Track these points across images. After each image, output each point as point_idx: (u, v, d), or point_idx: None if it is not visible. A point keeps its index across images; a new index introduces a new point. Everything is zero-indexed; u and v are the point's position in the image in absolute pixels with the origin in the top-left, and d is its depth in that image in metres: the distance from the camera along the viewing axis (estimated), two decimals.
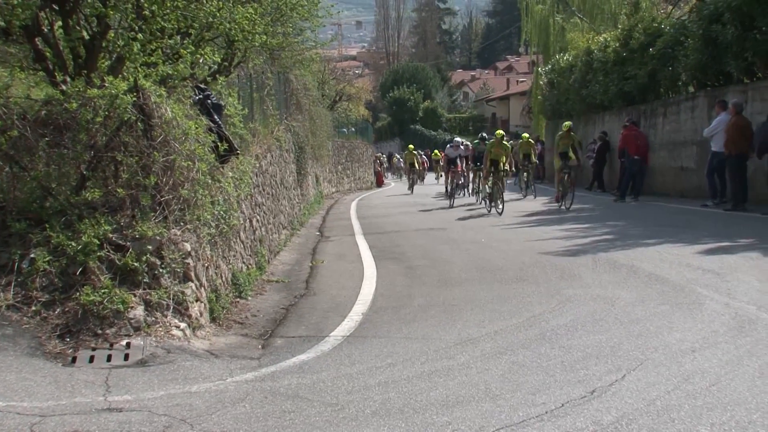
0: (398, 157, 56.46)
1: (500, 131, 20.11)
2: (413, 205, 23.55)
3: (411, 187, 33.22)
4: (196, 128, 7.63)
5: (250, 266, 10.12)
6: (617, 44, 23.30)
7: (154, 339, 6.26)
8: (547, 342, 6.22)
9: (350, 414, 4.75)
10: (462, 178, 25.23)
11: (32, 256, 6.56)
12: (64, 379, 5.46)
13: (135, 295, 6.49)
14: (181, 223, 7.23)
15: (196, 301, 7.00)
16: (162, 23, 8.35)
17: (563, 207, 17.99)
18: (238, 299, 8.68)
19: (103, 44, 8.25)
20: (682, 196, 19.35)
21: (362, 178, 40.91)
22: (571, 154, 18.40)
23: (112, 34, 8.37)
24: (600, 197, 22.02)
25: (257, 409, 4.92)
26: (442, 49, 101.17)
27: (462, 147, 24.99)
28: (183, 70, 8.74)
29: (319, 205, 23.78)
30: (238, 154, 9.14)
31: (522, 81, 67.65)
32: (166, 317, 6.53)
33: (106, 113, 7.10)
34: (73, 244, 6.56)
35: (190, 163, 7.35)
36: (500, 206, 17.94)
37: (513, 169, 20.91)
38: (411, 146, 36.99)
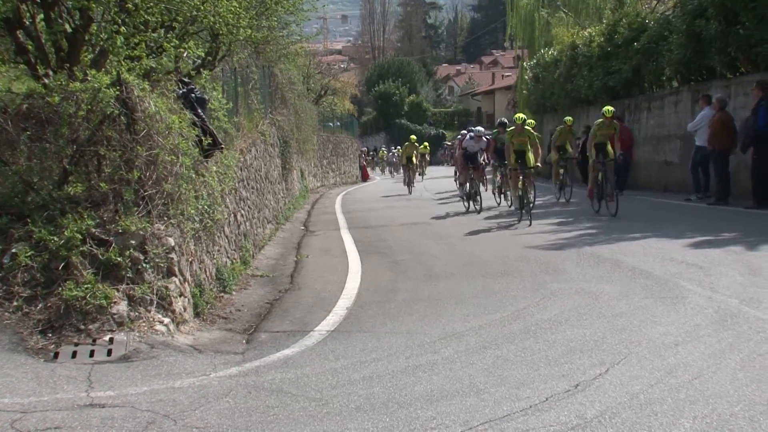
0: (385, 149, 56.08)
1: (521, 114, 15.72)
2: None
3: (409, 185, 27.32)
4: (180, 122, 7.59)
5: (234, 261, 10.08)
6: (602, 39, 23.37)
7: (137, 334, 6.23)
8: (531, 336, 6.24)
9: (334, 409, 4.75)
10: (484, 182, 19.23)
11: (14, 251, 6.51)
12: (46, 375, 5.43)
13: (118, 290, 6.46)
14: (165, 218, 7.20)
15: (180, 296, 6.97)
16: (145, 16, 8.29)
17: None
18: (222, 294, 8.65)
19: (86, 37, 8.18)
20: (666, 191, 19.43)
21: (347, 173, 40.88)
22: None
23: (95, 27, 8.31)
24: (585, 191, 22.01)
25: (241, 404, 4.90)
26: (428, 43, 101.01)
27: (485, 138, 18.43)
28: (167, 63, 8.70)
29: (304, 199, 23.73)
30: (222, 148, 9.11)
31: (507, 75, 67.57)
32: (150, 312, 6.50)
33: (89, 107, 7.05)
34: (56, 239, 6.51)
35: (173, 157, 7.31)
36: (528, 215, 14.04)
37: (540, 163, 15.28)
38: (413, 137, 30.21)
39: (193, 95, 8.65)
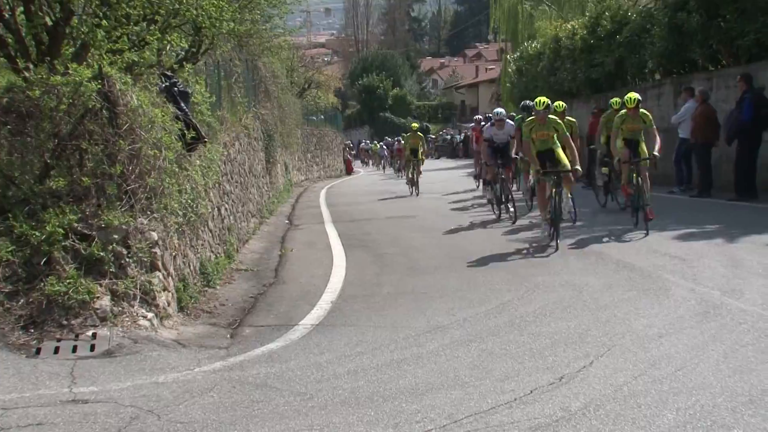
0: (367, 143, 55.36)
1: (543, 98, 10.73)
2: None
3: (412, 184, 21.83)
4: (163, 116, 7.55)
5: (218, 255, 10.04)
6: (585, 32, 23.41)
7: (120, 329, 6.20)
8: (515, 329, 6.25)
9: (319, 403, 4.74)
10: (513, 184, 15.24)
11: None
12: (28, 371, 5.39)
13: (101, 285, 6.42)
14: (148, 212, 7.15)
15: (164, 290, 6.93)
16: (127, 9, 8.24)
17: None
18: (206, 288, 8.61)
19: (67, 30, 8.11)
20: None
21: (332, 166, 40.79)
22: None
23: (76, 21, 8.24)
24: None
25: (225, 398, 4.89)
26: (411, 36, 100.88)
27: (509, 124, 14.20)
28: (149, 57, 8.64)
29: (288, 193, 23.66)
30: (205, 142, 9.05)
31: (491, 68, 67.59)
32: (133, 307, 6.46)
33: (70, 101, 6.99)
34: (37, 233, 6.46)
35: (156, 151, 7.26)
36: (556, 236, 10.05)
37: (579, 166, 10.39)
38: (415, 124, 24.98)
39: (175, 89, 8.59)
